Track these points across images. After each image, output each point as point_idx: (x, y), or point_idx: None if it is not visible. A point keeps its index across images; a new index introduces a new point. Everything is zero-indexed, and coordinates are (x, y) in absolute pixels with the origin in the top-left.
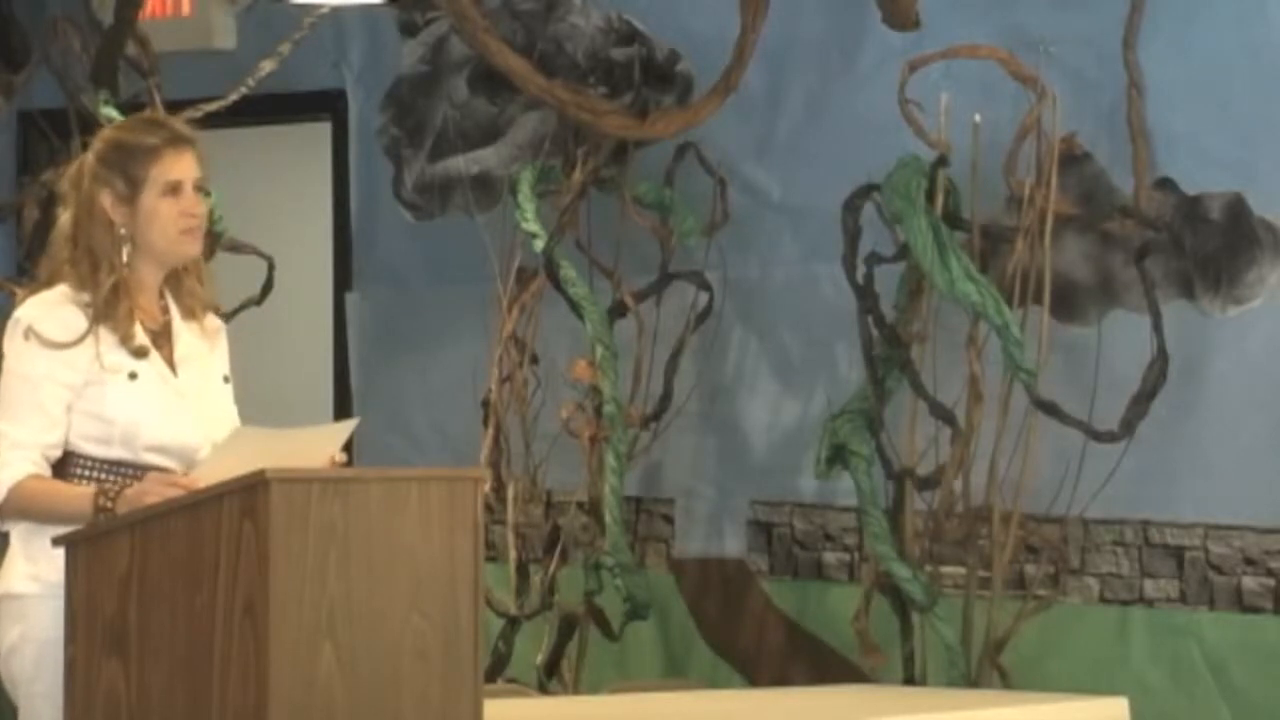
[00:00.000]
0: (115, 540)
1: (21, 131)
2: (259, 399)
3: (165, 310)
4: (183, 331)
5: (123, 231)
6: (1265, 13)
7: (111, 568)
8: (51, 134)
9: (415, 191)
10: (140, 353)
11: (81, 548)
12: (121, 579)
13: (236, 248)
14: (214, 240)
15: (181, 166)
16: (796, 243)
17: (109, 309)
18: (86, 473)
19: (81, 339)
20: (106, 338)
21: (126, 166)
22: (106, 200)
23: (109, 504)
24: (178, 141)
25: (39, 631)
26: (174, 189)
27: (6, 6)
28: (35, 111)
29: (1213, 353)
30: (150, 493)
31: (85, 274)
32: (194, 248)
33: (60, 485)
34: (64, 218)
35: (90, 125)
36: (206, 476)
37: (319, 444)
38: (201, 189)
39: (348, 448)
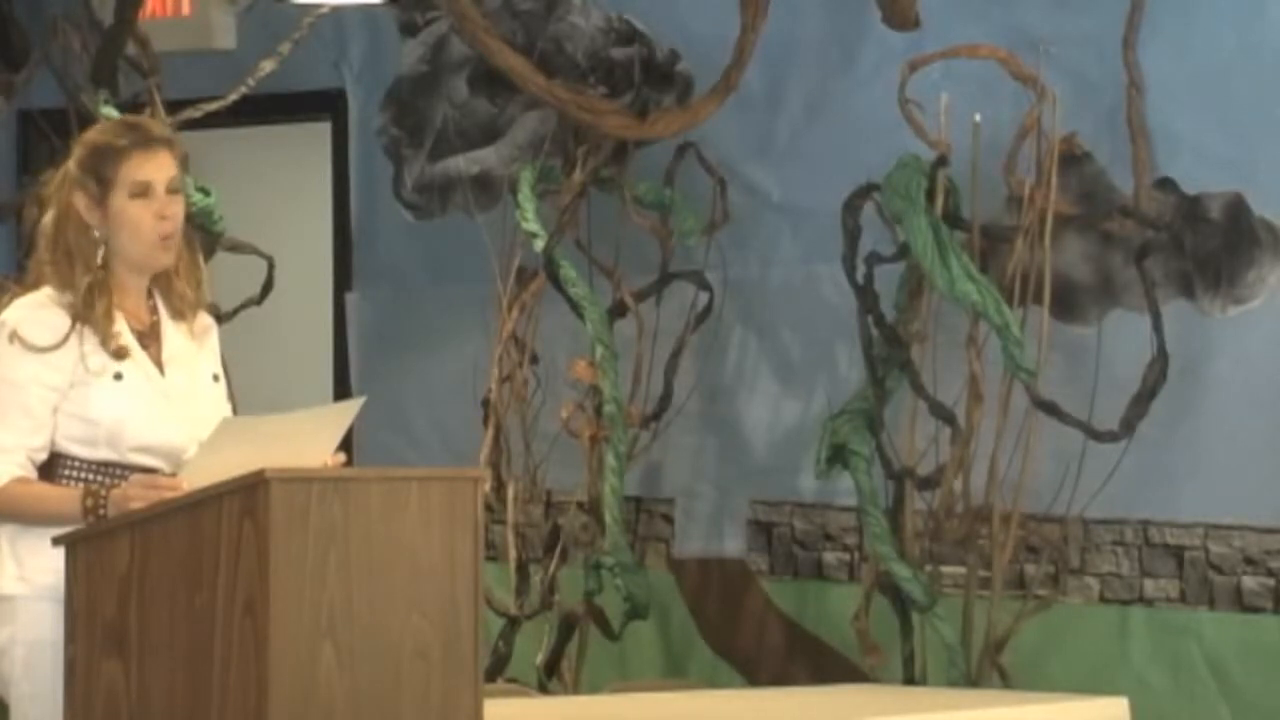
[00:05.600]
0: (115, 540)
1: (21, 131)
2: (259, 399)
3: (154, 310)
4: (171, 331)
5: (97, 234)
6: (1265, 13)
7: (111, 568)
8: (51, 134)
9: (415, 191)
10: (120, 354)
11: (81, 548)
12: (121, 579)
13: (236, 248)
14: (214, 240)
15: (151, 167)
16: (796, 243)
17: (87, 309)
18: (74, 474)
19: (64, 341)
20: (90, 339)
21: (98, 168)
22: (81, 203)
23: (101, 508)
24: (149, 143)
25: (28, 633)
26: (143, 190)
27: (6, 6)
28: (35, 111)
29: (1213, 353)
30: (133, 497)
31: (64, 272)
32: (167, 258)
33: (46, 488)
34: (45, 219)
35: (90, 125)
36: (195, 474)
37: (315, 430)
38: (175, 190)
39: (347, 447)
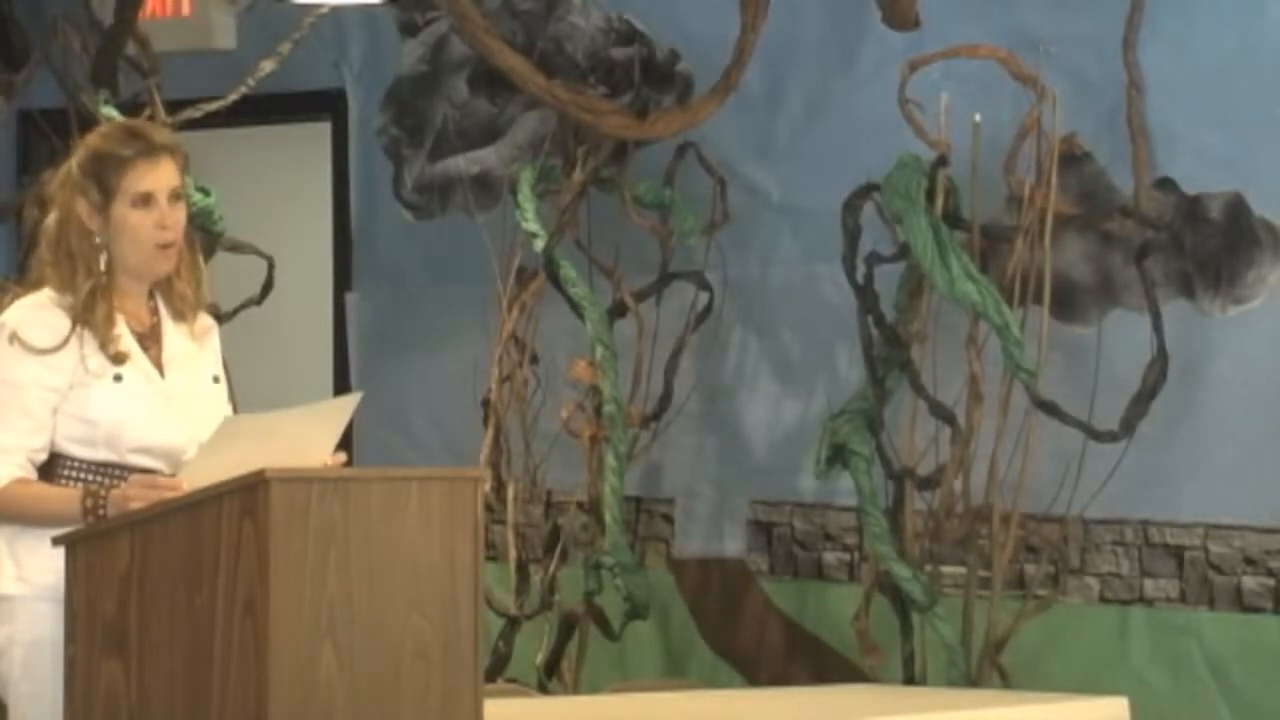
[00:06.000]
0: (115, 540)
1: (21, 131)
2: (259, 399)
3: (154, 312)
4: (172, 332)
5: (99, 240)
6: (1265, 13)
7: (111, 568)
8: (51, 134)
9: (415, 191)
10: (119, 359)
11: (81, 548)
12: (121, 579)
13: (236, 248)
14: (214, 240)
15: (154, 177)
16: (796, 243)
17: (87, 313)
18: (73, 475)
19: (65, 343)
20: (90, 341)
21: (101, 176)
22: (83, 209)
23: (100, 508)
24: (152, 151)
25: (26, 633)
26: (145, 200)
27: (6, 6)
28: (35, 111)
29: (1213, 353)
30: (134, 497)
31: (66, 276)
32: (167, 266)
33: (46, 488)
34: (49, 219)
35: (90, 125)
36: (196, 474)
37: (315, 428)
38: (178, 198)
39: (347, 447)
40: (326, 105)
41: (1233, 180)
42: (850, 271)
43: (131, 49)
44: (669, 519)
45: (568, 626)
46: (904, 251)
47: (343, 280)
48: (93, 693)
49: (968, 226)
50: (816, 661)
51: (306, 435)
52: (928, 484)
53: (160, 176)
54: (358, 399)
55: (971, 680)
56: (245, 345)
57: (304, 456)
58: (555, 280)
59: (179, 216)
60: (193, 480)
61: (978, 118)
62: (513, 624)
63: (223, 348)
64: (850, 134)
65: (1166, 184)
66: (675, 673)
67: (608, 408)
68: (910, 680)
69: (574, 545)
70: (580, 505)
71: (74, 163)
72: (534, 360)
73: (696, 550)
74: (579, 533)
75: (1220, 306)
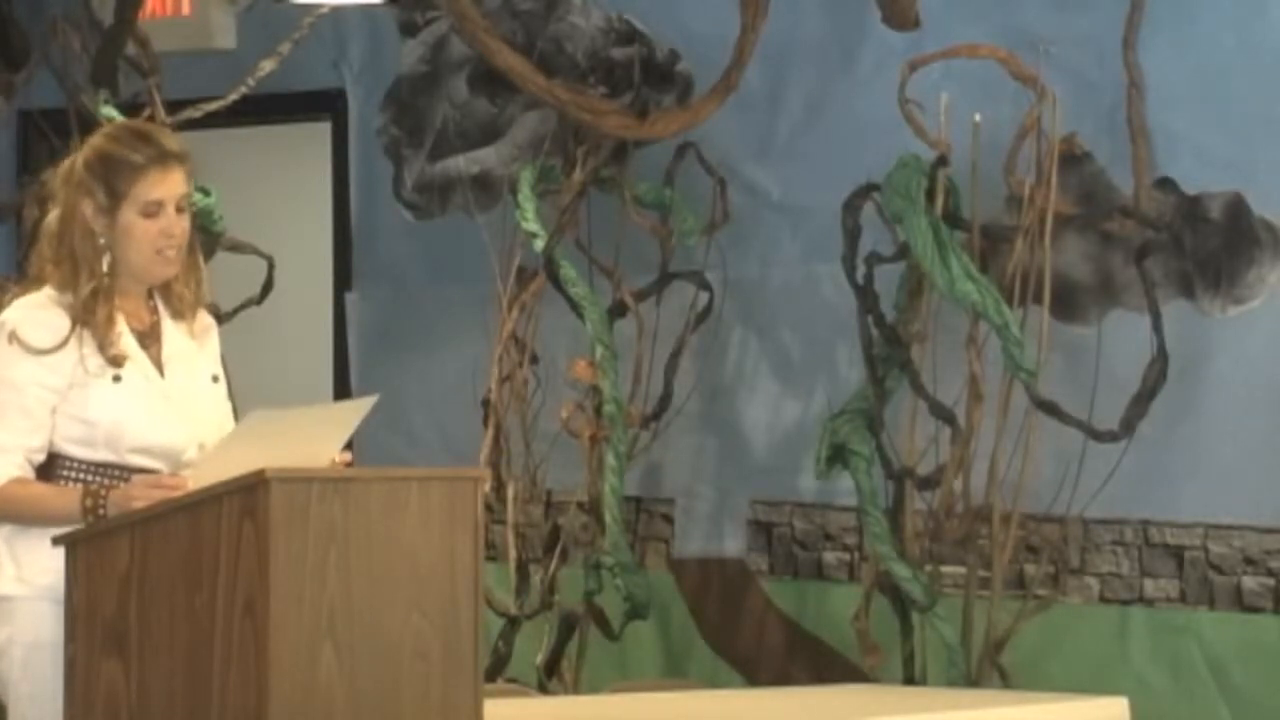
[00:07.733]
0: (115, 540)
1: (21, 131)
2: (259, 399)
3: (154, 311)
4: (171, 331)
5: (102, 241)
6: (1265, 13)
7: (111, 568)
8: (51, 134)
9: (415, 191)
10: (117, 361)
11: (81, 548)
12: (121, 579)
13: (236, 247)
14: (214, 240)
15: (164, 186)
16: (796, 243)
17: (87, 314)
18: (72, 475)
19: (64, 343)
20: (90, 341)
21: (109, 179)
22: (88, 209)
23: (100, 508)
24: (164, 159)
25: (26, 634)
26: (155, 210)
27: (6, 6)
28: (35, 111)
29: (1213, 353)
30: (136, 496)
31: (67, 275)
32: (168, 270)
33: (45, 488)
34: (51, 216)
35: (90, 125)
36: (210, 469)
37: (328, 425)
38: (183, 209)
39: (349, 448)
40: (326, 105)
41: (1233, 180)
42: (850, 271)
43: (131, 49)
44: (669, 519)
45: (568, 626)
46: (904, 251)
47: (343, 280)
48: (93, 693)
49: (968, 226)
50: (816, 661)
51: (317, 434)
52: (928, 484)
53: (171, 185)
54: (373, 401)
55: (971, 680)
56: (245, 345)
57: (312, 455)
58: (555, 280)
59: (185, 224)
60: (203, 477)
61: (978, 118)
62: (513, 624)
63: (223, 348)
64: (850, 134)
65: (1166, 184)
66: (675, 673)
67: (608, 408)
68: (910, 680)
69: (574, 545)
70: (580, 505)
71: (80, 161)
72: (534, 360)
73: (696, 550)
74: (579, 533)
75: (1220, 306)
